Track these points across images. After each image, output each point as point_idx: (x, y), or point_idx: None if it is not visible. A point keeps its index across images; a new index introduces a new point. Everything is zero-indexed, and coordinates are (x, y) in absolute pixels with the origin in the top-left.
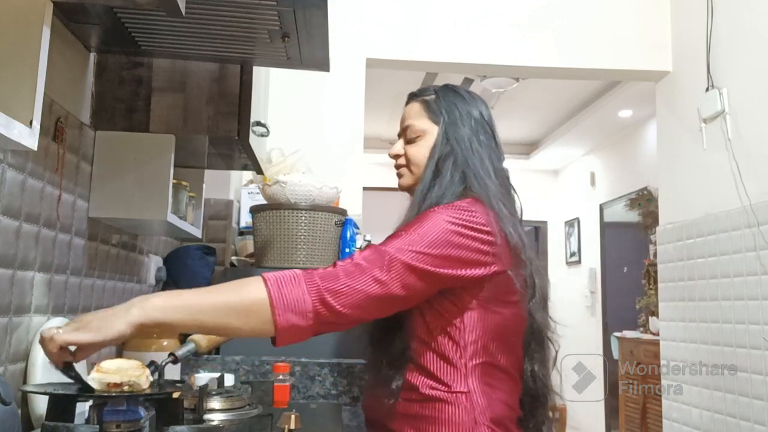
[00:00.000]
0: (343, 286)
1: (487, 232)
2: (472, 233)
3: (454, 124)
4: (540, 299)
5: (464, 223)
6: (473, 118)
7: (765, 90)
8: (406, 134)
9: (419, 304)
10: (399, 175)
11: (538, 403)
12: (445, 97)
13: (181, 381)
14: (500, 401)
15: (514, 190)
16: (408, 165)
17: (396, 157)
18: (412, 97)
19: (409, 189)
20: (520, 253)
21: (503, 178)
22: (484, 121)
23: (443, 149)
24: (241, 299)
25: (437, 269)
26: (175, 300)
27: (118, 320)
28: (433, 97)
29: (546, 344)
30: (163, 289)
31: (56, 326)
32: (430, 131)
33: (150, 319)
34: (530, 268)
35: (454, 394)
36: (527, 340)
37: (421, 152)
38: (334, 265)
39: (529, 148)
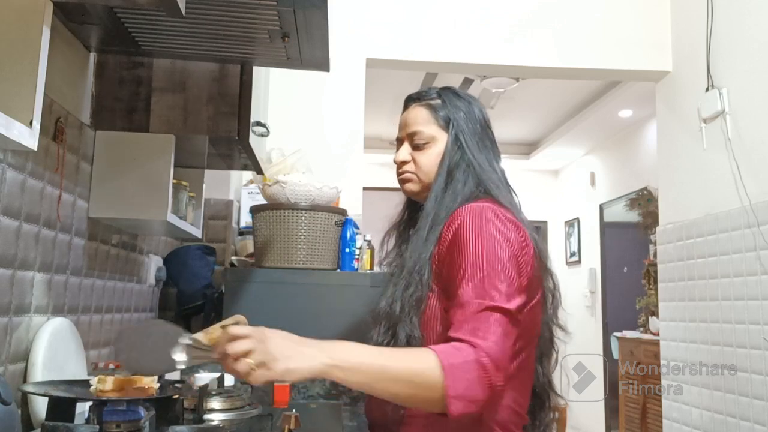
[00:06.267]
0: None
1: (523, 240)
2: (515, 246)
3: (462, 131)
4: (556, 305)
5: (510, 239)
6: (478, 123)
7: (765, 90)
8: (413, 140)
9: (434, 311)
10: (405, 180)
11: (541, 403)
12: (450, 101)
13: (181, 381)
14: (508, 406)
15: (512, 189)
16: (417, 172)
17: (403, 163)
18: (414, 100)
19: (415, 195)
20: (544, 260)
21: (506, 179)
22: (486, 124)
23: (454, 156)
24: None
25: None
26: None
27: (303, 367)
28: (438, 101)
29: (552, 346)
30: (163, 288)
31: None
32: (439, 138)
33: (331, 377)
34: (552, 275)
35: None
36: (539, 344)
37: (431, 160)
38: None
39: (529, 148)
